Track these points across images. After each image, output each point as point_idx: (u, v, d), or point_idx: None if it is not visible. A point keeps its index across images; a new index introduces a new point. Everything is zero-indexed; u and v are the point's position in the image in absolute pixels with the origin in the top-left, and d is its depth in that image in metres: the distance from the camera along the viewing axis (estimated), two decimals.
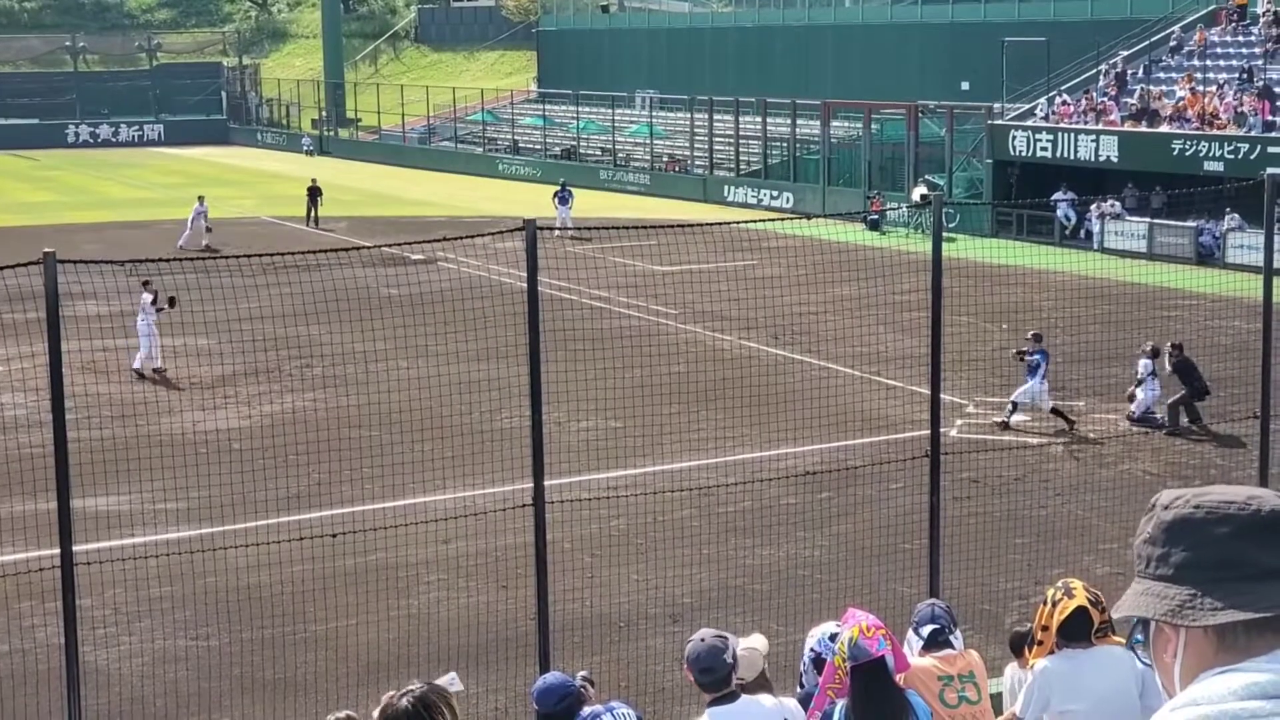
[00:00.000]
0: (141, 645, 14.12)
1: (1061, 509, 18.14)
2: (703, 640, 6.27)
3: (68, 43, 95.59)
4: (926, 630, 6.70)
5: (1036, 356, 21.77)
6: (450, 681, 5.21)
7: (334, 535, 12.46)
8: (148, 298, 25.84)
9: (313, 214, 48.26)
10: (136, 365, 25.87)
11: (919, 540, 13.00)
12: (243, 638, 14.18)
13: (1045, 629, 6.01)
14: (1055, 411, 21.82)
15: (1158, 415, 21.98)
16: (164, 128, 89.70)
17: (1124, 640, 5.73)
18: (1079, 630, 5.95)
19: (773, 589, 15.28)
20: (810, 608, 13.86)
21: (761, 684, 6.72)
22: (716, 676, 6.19)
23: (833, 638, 6.23)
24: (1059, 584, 6.14)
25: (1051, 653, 6.05)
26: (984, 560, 14.99)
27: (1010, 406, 21.90)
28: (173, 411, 22.88)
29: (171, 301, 24.91)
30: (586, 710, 6.32)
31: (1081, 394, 23.61)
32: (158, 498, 17.97)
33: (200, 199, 43.05)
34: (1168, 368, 22.03)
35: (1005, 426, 21.74)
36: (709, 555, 16.36)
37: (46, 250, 8.20)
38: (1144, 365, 21.80)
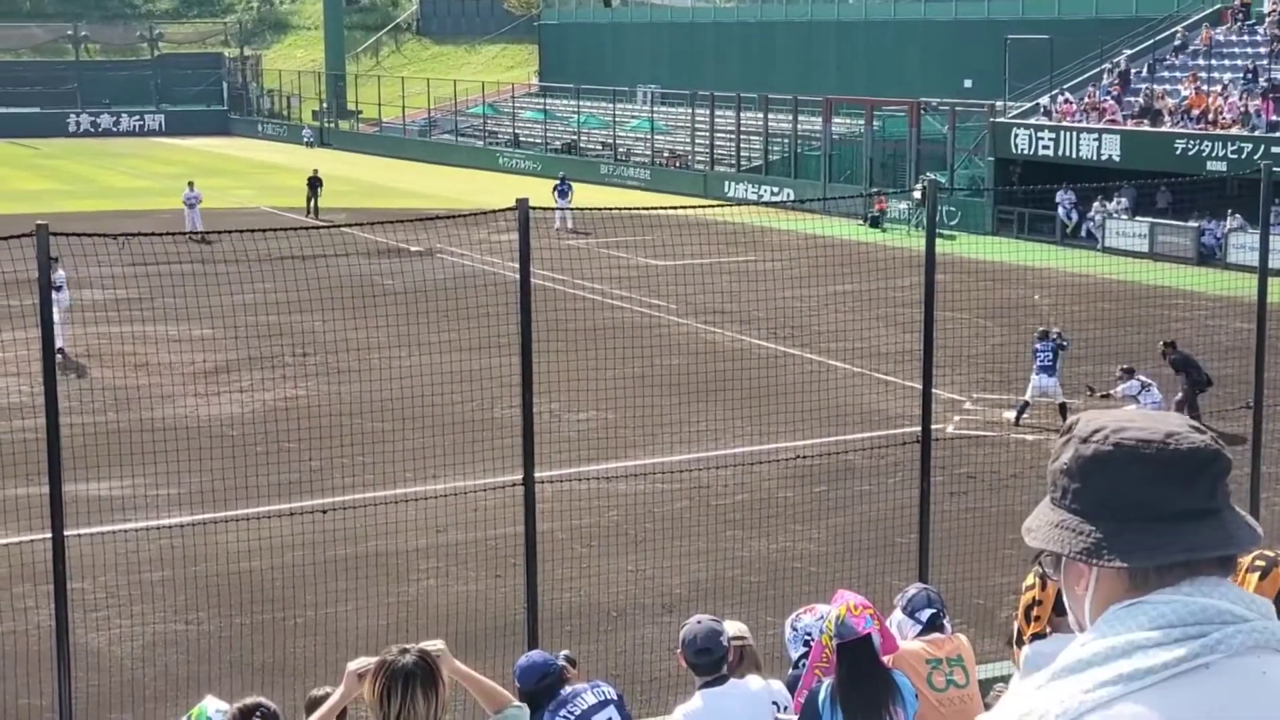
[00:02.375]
0: (135, 629, 14.12)
1: None
2: (699, 623, 6.37)
3: (69, 32, 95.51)
4: (925, 615, 6.68)
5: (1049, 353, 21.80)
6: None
7: (324, 511, 12.47)
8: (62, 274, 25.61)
9: (312, 204, 48.52)
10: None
11: (913, 534, 12.99)
12: (236, 622, 14.18)
13: (1040, 603, 5.92)
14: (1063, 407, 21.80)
15: None
16: (165, 118, 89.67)
17: None
18: None
19: (766, 581, 15.27)
20: (803, 599, 13.76)
21: (753, 659, 6.74)
22: (714, 658, 6.29)
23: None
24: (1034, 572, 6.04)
25: (1042, 635, 5.98)
26: (978, 555, 14.98)
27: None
28: (171, 398, 22.86)
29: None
30: (567, 689, 6.34)
31: (1079, 392, 23.59)
32: (154, 483, 17.95)
33: (190, 184, 43.26)
34: (1174, 373, 21.77)
35: (1017, 423, 21.75)
36: (703, 547, 16.35)
37: (39, 223, 8.18)
38: (1127, 388, 21.16)
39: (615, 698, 6.39)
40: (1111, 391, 21.17)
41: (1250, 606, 2.01)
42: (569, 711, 6.25)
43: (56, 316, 25.30)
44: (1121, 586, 2.06)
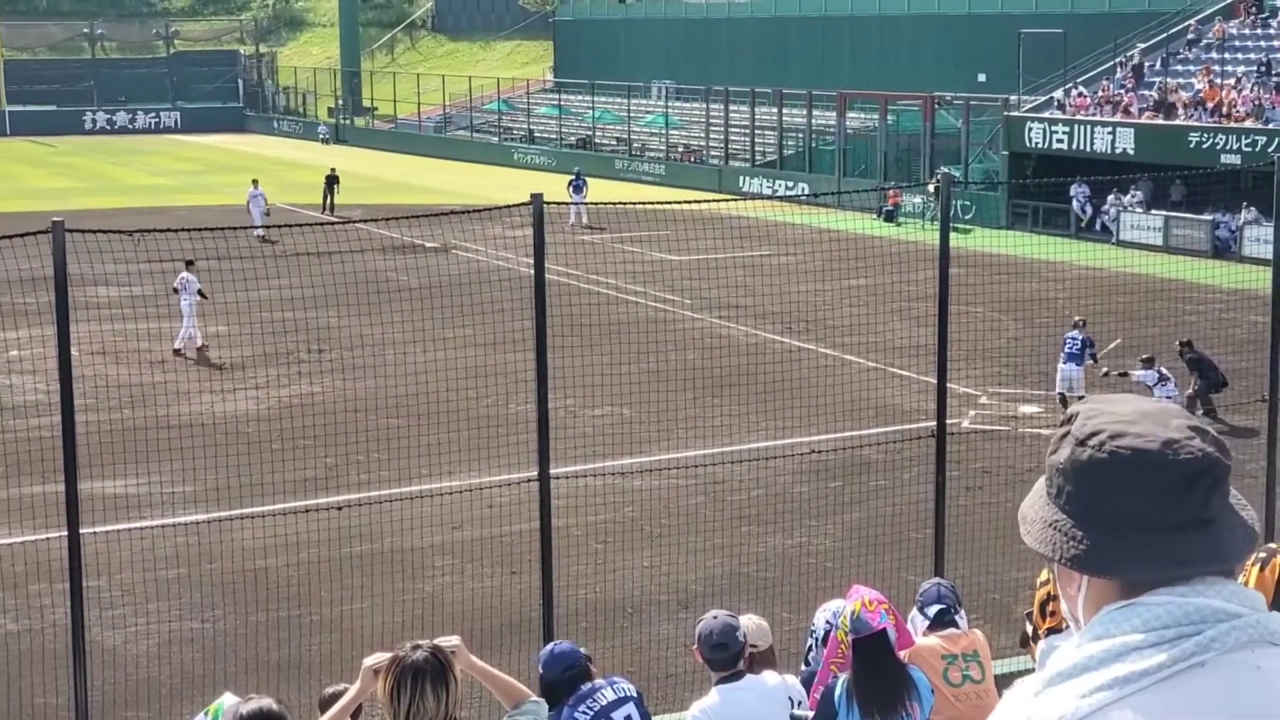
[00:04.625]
0: (151, 627, 14.15)
1: None
2: (715, 618, 6.35)
3: (86, 30, 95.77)
4: (933, 610, 6.67)
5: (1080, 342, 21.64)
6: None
7: (339, 508, 12.48)
8: (190, 276, 25.94)
9: (329, 201, 48.76)
10: (178, 345, 26.01)
11: (928, 529, 12.98)
12: (252, 620, 14.20)
13: (1055, 598, 5.90)
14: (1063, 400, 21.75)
15: None
16: (180, 115, 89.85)
17: None
18: None
19: (782, 576, 15.26)
20: (819, 595, 13.78)
21: (767, 661, 6.73)
22: (730, 653, 6.28)
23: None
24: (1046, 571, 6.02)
25: (1059, 630, 5.96)
26: (994, 550, 14.94)
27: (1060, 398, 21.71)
28: (186, 395, 22.91)
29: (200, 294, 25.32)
30: (587, 685, 6.33)
31: (1096, 385, 23.53)
32: (169, 480, 18.00)
33: (254, 182, 43.47)
34: (1186, 367, 21.73)
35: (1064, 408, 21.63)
36: (719, 543, 16.34)
37: (55, 220, 8.19)
38: (1145, 376, 21.16)
39: (634, 695, 6.39)
40: (1129, 372, 21.16)
41: (1244, 602, 2.00)
42: (589, 707, 6.25)
43: (187, 314, 25.90)
44: (1114, 590, 2.04)
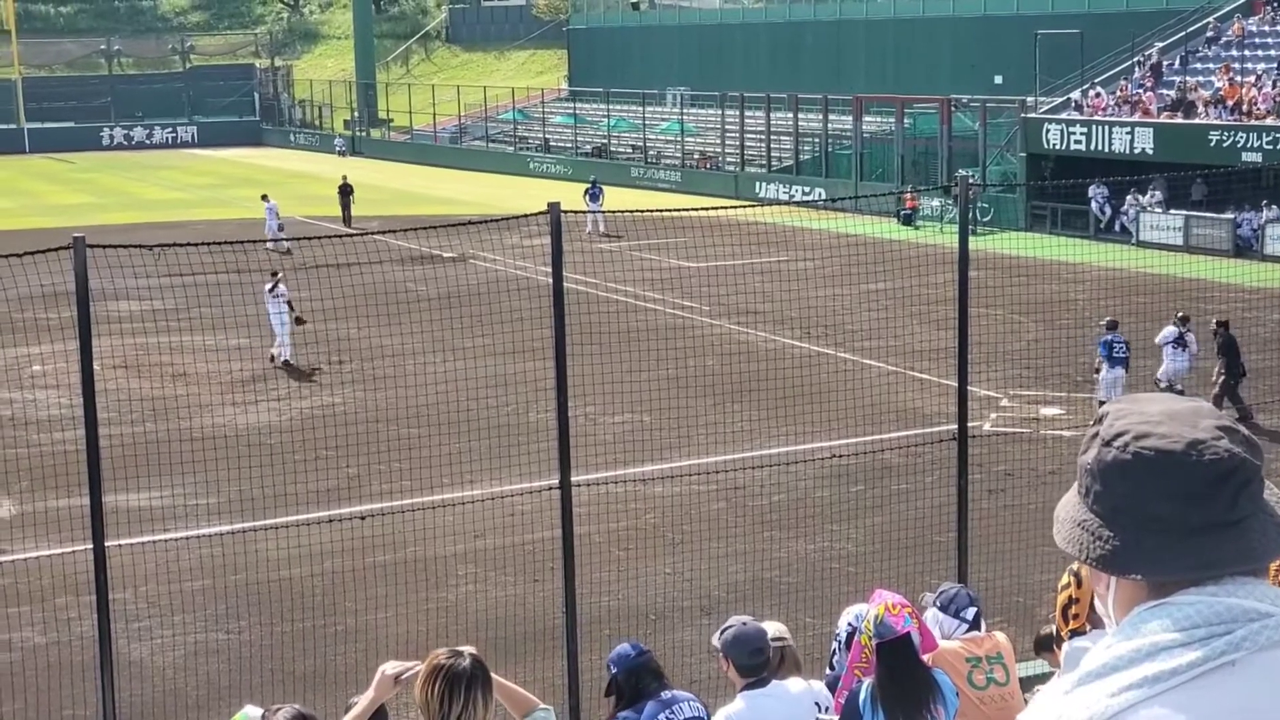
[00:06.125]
0: (176, 638, 14.20)
1: None
2: (745, 624, 6.34)
3: (103, 46, 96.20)
4: (971, 613, 6.66)
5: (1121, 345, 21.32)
6: None
7: (362, 518, 12.51)
8: (266, 289, 26.10)
9: (346, 213, 48.70)
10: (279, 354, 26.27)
11: (951, 533, 12.96)
12: (276, 630, 14.24)
13: (1077, 601, 5.89)
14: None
15: (1179, 389, 21.49)
16: (197, 129, 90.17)
17: None
18: None
19: (805, 581, 15.25)
20: (842, 600, 13.76)
21: (792, 666, 6.73)
22: (764, 658, 6.31)
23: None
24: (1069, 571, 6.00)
25: (1081, 632, 5.95)
26: (1017, 553, 14.92)
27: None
28: (209, 408, 22.98)
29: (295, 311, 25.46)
30: (667, 693, 6.34)
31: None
32: (193, 492, 18.06)
33: (264, 197, 43.45)
34: (1214, 346, 21.67)
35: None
36: (741, 548, 16.34)
37: (76, 235, 8.24)
38: (1167, 331, 21.18)
39: (706, 717, 6.43)
40: (1156, 340, 21.36)
41: (1275, 601, 1.99)
42: (670, 715, 6.28)
43: (281, 330, 26.00)
44: (1143, 590, 2.04)
